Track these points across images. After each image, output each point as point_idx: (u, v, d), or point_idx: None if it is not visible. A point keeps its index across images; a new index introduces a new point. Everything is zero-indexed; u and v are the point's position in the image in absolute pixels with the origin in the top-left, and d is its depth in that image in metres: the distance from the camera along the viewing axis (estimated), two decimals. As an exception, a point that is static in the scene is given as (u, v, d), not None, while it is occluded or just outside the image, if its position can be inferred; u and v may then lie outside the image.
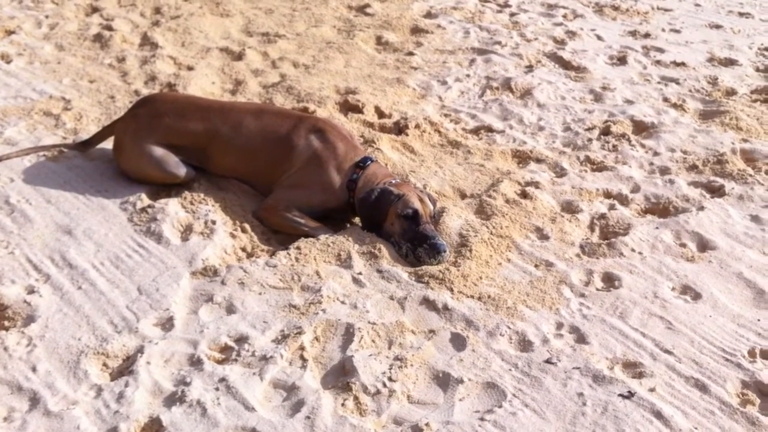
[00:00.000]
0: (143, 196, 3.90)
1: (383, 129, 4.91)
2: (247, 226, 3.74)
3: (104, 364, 2.81)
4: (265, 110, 4.11)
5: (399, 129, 4.89)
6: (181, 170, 3.95)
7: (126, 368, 2.78)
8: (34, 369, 2.74)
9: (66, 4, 7.08)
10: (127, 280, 3.27)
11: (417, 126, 4.88)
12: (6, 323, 3.00)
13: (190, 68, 5.71)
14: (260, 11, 7.27)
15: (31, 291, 3.17)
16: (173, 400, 2.62)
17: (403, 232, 3.57)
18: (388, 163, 4.36)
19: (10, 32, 6.29)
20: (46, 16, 6.72)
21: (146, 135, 3.96)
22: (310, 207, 3.76)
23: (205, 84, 5.43)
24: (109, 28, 6.45)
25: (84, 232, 3.60)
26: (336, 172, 3.81)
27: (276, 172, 3.89)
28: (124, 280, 3.28)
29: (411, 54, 6.30)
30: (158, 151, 3.93)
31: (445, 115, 5.20)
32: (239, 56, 6.04)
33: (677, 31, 7.18)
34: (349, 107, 5.17)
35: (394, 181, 3.76)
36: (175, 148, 3.96)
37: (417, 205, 3.59)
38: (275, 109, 4.28)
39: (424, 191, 3.85)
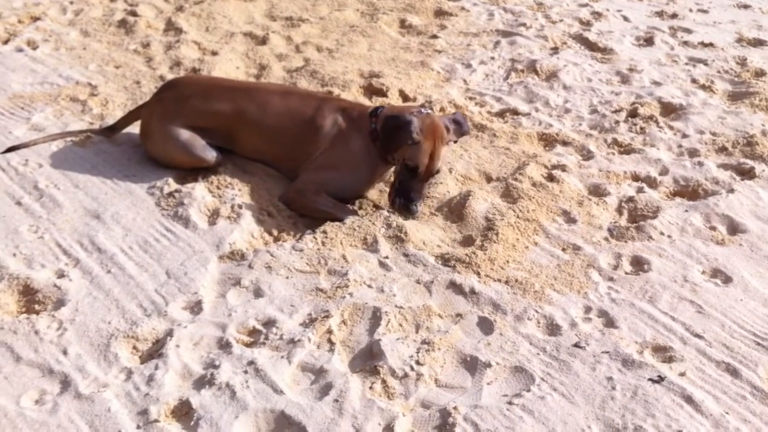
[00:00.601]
0: (170, 180, 3.92)
1: (408, 112, 4.88)
2: (273, 210, 3.75)
3: (134, 347, 2.84)
4: (290, 91, 4.11)
5: (424, 112, 4.85)
6: (209, 154, 3.94)
7: (156, 351, 2.81)
8: (64, 352, 2.77)
9: (90, -10, 7.11)
10: (156, 264, 3.30)
11: (442, 109, 4.85)
12: (36, 307, 3.04)
13: (214, 53, 5.71)
14: (283, -5, 7.25)
15: (60, 275, 3.20)
16: (202, 382, 2.64)
17: (398, 173, 3.68)
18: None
19: (35, 18, 6.33)
20: (71, 2, 6.75)
21: (172, 118, 3.96)
22: (339, 189, 3.77)
23: (229, 69, 5.43)
24: (134, 14, 6.46)
25: (112, 217, 3.63)
26: (358, 143, 3.79)
27: (302, 155, 3.87)
28: (152, 264, 3.30)
29: (435, 37, 6.25)
30: (185, 134, 3.93)
31: (470, 98, 5.16)
32: (263, 41, 6.03)
33: (705, 12, 7.06)
34: (373, 91, 5.14)
35: (424, 112, 3.71)
36: (201, 130, 3.96)
37: (421, 163, 3.60)
38: (300, 91, 4.27)
39: (454, 115, 3.84)
